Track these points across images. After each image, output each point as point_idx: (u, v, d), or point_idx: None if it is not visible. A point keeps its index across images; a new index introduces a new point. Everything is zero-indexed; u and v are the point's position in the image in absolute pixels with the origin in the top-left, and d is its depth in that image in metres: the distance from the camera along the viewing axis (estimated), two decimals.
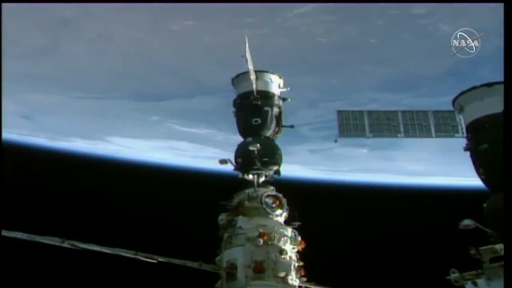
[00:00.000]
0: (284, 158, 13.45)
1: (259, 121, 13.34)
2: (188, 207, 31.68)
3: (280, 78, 14.05)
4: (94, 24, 40.40)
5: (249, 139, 13.24)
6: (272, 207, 12.18)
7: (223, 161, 13.06)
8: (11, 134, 35.94)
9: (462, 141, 11.84)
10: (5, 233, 9.13)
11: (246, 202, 12.21)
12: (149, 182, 36.08)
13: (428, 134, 12.03)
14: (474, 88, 11.56)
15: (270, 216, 12.12)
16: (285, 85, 14.13)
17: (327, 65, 42.12)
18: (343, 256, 29.25)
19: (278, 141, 13.74)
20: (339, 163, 45.32)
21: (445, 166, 38.96)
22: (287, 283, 11.33)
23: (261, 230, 11.55)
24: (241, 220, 11.92)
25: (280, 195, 12.45)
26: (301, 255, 12.03)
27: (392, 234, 30.89)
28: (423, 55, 40.32)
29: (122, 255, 10.50)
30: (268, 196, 12.28)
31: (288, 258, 11.61)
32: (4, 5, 12.42)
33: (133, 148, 45.06)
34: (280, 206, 12.29)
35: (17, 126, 39.71)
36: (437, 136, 11.99)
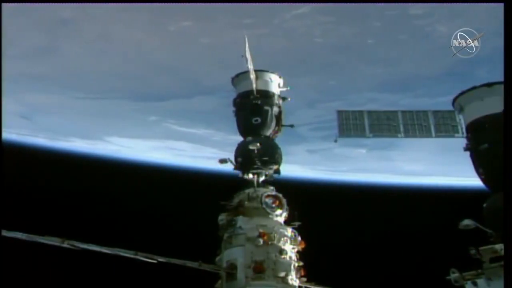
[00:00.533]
0: (283, 158, 13.46)
1: (259, 120, 13.34)
2: (187, 207, 31.68)
3: (280, 77, 14.05)
4: (93, 24, 40.48)
5: (249, 138, 13.25)
6: (272, 207, 12.18)
7: (223, 161, 13.06)
8: (10, 134, 35.97)
9: (461, 141, 11.85)
10: (5, 233, 9.12)
11: (246, 202, 12.20)
12: (148, 182, 36.08)
13: (428, 134, 12.02)
14: (474, 88, 11.55)
15: (270, 216, 12.11)
16: (285, 85, 14.14)
17: (325, 65, 42.25)
18: (343, 256, 29.24)
19: (277, 141, 13.74)
20: (338, 163, 45.40)
21: (444, 166, 39.06)
22: (287, 283, 11.32)
23: (261, 230, 11.55)
24: (241, 220, 11.92)
25: (280, 195, 12.45)
26: (301, 255, 12.02)
27: (392, 234, 30.90)
28: (421, 55, 40.48)
29: (121, 255, 10.48)
30: (268, 196, 12.28)
31: (288, 258, 11.60)
32: (3, 5, 12.41)
33: (132, 148, 45.13)
34: (280, 206, 12.29)
35: (17, 126, 39.77)
36: (437, 136, 11.98)
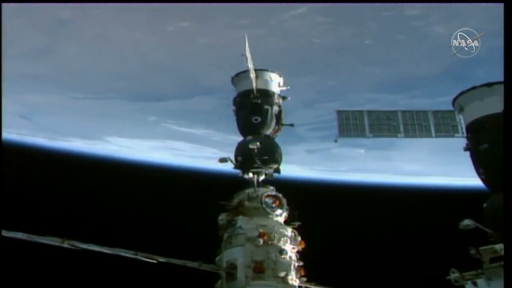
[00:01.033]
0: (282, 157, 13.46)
1: (259, 119, 13.35)
2: (187, 207, 31.68)
3: (280, 76, 14.06)
4: (91, 25, 40.60)
5: (249, 137, 13.26)
6: (272, 207, 12.17)
7: (223, 160, 13.07)
8: (10, 134, 35.93)
9: (459, 141, 11.85)
10: (4, 233, 9.11)
11: (246, 202, 12.20)
12: (147, 182, 36.07)
13: (428, 134, 12.02)
14: (474, 88, 11.55)
15: (270, 216, 12.11)
16: (285, 84, 14.15)
17: (324, 66, 42.35)
18: (343, 256, 29.25)
19: (276, 141, 13.73)
20: (337, 163, 45.44)
21: (443, 166, 39.09)
22: (287, 283, 11.32)
23: (261, 230, 11.55)
24: (241, 220, 11.92)
25: (280, 195, 12.45)
26: (301, 255, 12.02)
27: (392, 234, 30.90)
28: (418, 56, 40.62)
29: (122, 255, 10.48)
30: (268, 196, 12.28)
31: (288, 258, 11.60)
32: (3, 5, 12.39)
33: (132, 148, 45.13)
34: (280, 206, 12.29)
35: (17, 126, 39.75)
36: (437, 136, 11.98)
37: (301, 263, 11.86)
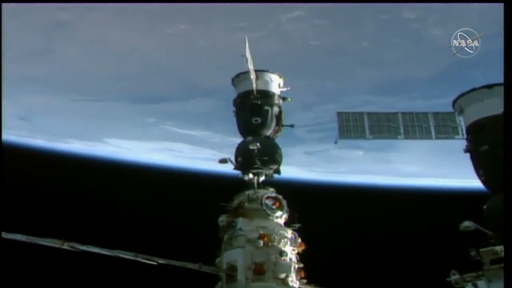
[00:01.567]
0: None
1: (259, 120, 13.34)
2: (187, 208, 31.64)
3: (280, 77, 14.06)
4: (90, 27, 40.71)
5: (249, 138, 13.23)
6: (272, 209, 12.15)
7: (223, 160, 13.06)
8: (9, 136, 35.91)
9: (458, 143, 11.86)
10: (4, 235, 9.09)
11: (246, 204, 12.17)
12: (146, 183, 36.06)
13: (428, 136, 12.01)
14: (474, 89, 11.56)
15: (270, 217, 12.09)
16: (285, 85, 14.15)
17: (321, 68, 42.49)
18: (343, 258, 29.22)
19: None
20: (336, 164, 45.55)
21: (441, 168, 39.15)
22: (287, 285, 11.29)
23: (261, 232, 11.52)
24: (241, 222, 11.87)
25: (280, 197, 12.42)
26: (301, 257, 12.01)
27: (392, 236, 30.88)
28: (415, 58, 40.88)
29: (122, 257, 10.46)
30: (268, 197, 12.26)
31: (288, 260, 11.57)
32: (3, 5, 12.37)
33: (131, 149, 45.16)
34: (280, 207, 12.27)
35: (16, 127, 39.77)
36: (437, 138, 11.98)
37: (301, 265, 11.85)
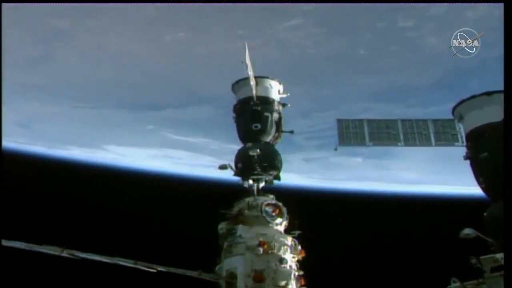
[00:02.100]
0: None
1: (259, 126, 13.35)
2: (186, 215, 31.59)
3: (280, 83, 14.09)
4: (89, 35, 40.92)
5: (249, 144, 13.24)
6: (272, 216, 12.13)
7: (223, 167, 13.05)
8: (9, 143, 35.90)
9: (457, 150, 11.85)
10: (4, 242, 9.07)
11: (246, 211, 12.15)
12: (145, 190, 36.03)
13: (428, 143, 12.01)
14: (473, 96, 11.56)
15: (270, 225, 12.07)
16: (284, 91, 14.17)
17: (318, 75, 42.73)
18: (343, 265, 29.16)
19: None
20: (335, 171, 45.67)
21: (440, 175, 39.21)
22: None
23: (261, 239, 11.50)
24: (241, 229, 11.86)
25: (280, 204, 12.40)
26: (301, 264, 11.97)
27: (391, 243, 30.84)
28: (412, 66, 41.18)
29: (121, 265, 10.43)
30: (268, 204, 12.24)
31: (288, 267, 11.54)
32: (2, 5, 12.39)
33: (130, 156, 45.24)
34: (280, 214, 12.25)
35: (15, 134, 39.82)
36: (437, 145, 11.97)
37: (301, 272, 11.82)
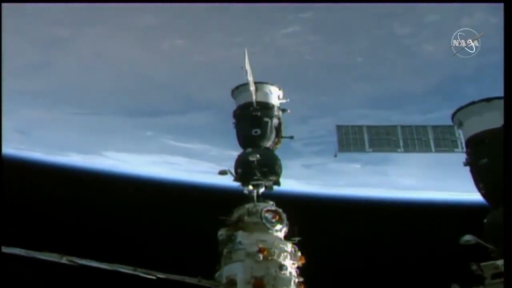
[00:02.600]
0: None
1: (259, 132, 13.37)
2: (185, 221, 31.54)
3: (279, 89, 14.12)
4: (88, 42, 41.06)
5: (249, 149, 13.24)
6: (272, 222, 12.12)
7: (222, 172, 13.05)
8: (8, 149, 35.83)
9: (456, 156, 11.84)
10: (4, 249, 9.04)
11: (245, 217, 12.14)
12: (145, 196, 35.98)
13: (427, 149, 12.00)
14: (473, 103, 11.57)
15: (270, 231, 12.06)
16: (284, 97, 14.20)
17: (316, 82, 42.89)
18: (342, 272, 29.09)
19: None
20: (334, 177, 45.63)
21: (439, 181, 39.21)
22: None
23: (261, 246, 11.49)
24: (240, 235, 11.84)
25: (280, 210, 12.40)
26: (301, 270, 11.93)
27: (391, 249, 30.77)
28: (409, 73, 41.41)
29: (121, 272, 10.39)
30: (268, 211, 12.23)
31: (288, 274, 11.53)
32: (2, 5, 12.42)
33: (129, 162, 45.20)
34: (280, 221, 12.24)
35: (14, 141, 39.77)
36: (436, 151, 11.96)
37: (301, 279, 11.79)
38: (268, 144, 13.59)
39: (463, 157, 11.73)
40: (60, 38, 40.65)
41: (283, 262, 11.54)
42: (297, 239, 12.22)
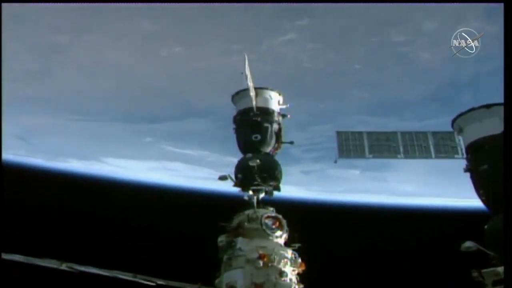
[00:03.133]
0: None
1: (259, 137, 13.35)
2: (185, 227, 31.51)
3: (279, 95, 14.12)
4: (87, 49, 41.27)
5: (249, 155, 13.22)
6: (272, 229, 12.07)
7: (223, 177, 13.02)
8: (7, 155, 35.85)
9: (455, 162, 11.82)
10: (3, 256, 9.03)
11: (245, 224, 12.10)
12: (144, 202, 35.97)
13: (428, 155, 11.97)
14: (472, 109, 11.57)
15: (270, 237, 12.01)
16: (284, 102, 14.20)
17: (314, 89, 43.11)
18: (343, 278, 29.02)
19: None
20: (333, 184, 45.75)
21: (439, 187, 39.26)
22: None
23: (261, 252, 11.43)
24: (240, 242, 11.80)
25: (280, 216, 12.35)
26: (301, 277, 11.89)
27: (392, 256, 30.71)
28: (406, 80, 41.72)
29: (120, 278, 10.38)
30: (268, 217, 12.19)
31: (288, 280, 11.47)
32: (2, 5, 12.45)
33: (128, 168, 45.28)
34: (280, 227, 12.19)
35: (14, 147, 39.87)
36: (437, 157, 11.93)
37: (301, 286, 11.74)
38: (268, 149, 13.57)
39: (463, 163, 11.70)
40: (59, 45, 41.04)
41: (283, 269, 11.48)
42: (297, 245, 12.18)
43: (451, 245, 11.03)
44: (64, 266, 9.78)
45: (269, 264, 11.35)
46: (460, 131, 11.90)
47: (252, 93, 13.30)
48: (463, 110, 11.73)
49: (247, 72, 12.89)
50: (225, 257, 11.88)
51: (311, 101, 42.23)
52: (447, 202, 38.87)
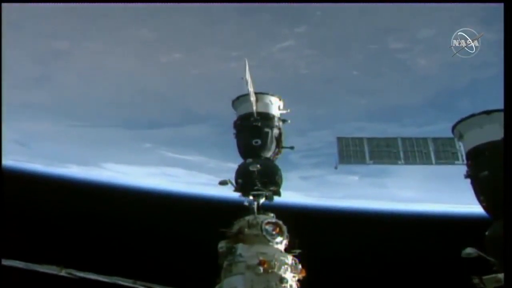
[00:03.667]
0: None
1: (259, 142, 13.38)
2: (184, 233, 31.47)
3: (280, 100, 14.17)
4: (87, 55, 41.48)
5: (249, 160, 13.24)
6: (273, 235, 12.06)
7: (223, 182, 13.02)
8: (7, 161, 35.84)
9: (455, 168, 11.81)
10: (3, 262, 9.00)
11: (246, 229, 12.08)
12: (143, 208, 35.96)
13: (428, 161, 11.95)
14: (473, 115, 11.58)
15: (270, 243, 11.99)
16: (285, 107, 14.23)
17: (312, 96, 43.31)
18: (343, 284, 28.97)
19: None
20: (332, 189, 45.83)
21: (439, 193, 39.28)
22: None
23: (261, 258, 11.41)
24: (241, 248, 11.77)
25: (281, 222, 12.34)
26: (302, 283, 11.86)
27: (391, 262, 30.66)
28: (403, 87, 41.93)
29: (120, 284, 10.35)
30: (268, 223, 12.17)
31: (288, 287, 11.43)
32: (2, 5, 12.48)
33: (127, 174, 45.36)
34: (281, 233, 12.18)
35: (13, 152, 39.89)
36: (437, 163, 11.92)
37: None
38: (269, 154, 13.61)
39: (463, 169, 11.69)
40: (59, 51, 41.18)
41: (283, 275, 11.43)
42: (297, 251, 12.16)
43: (452, 252, 11.00)
44: (63, 272, 9.75)
45: (270, 271, 11.31)
46: (461, 137, 11.90)
47: (253, 98, 13.34)
48: (461, 116, 11.74)
49: (248, 77, 12.94)
50: (225, 263, 11.85)
51: (309, 107, 42.47)
52: (447, 208, 38.91)
